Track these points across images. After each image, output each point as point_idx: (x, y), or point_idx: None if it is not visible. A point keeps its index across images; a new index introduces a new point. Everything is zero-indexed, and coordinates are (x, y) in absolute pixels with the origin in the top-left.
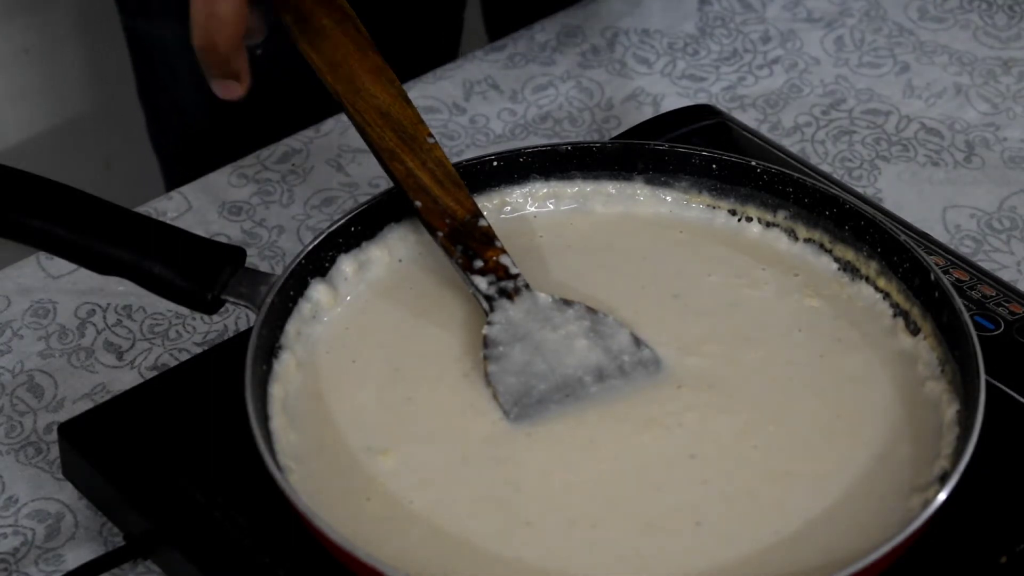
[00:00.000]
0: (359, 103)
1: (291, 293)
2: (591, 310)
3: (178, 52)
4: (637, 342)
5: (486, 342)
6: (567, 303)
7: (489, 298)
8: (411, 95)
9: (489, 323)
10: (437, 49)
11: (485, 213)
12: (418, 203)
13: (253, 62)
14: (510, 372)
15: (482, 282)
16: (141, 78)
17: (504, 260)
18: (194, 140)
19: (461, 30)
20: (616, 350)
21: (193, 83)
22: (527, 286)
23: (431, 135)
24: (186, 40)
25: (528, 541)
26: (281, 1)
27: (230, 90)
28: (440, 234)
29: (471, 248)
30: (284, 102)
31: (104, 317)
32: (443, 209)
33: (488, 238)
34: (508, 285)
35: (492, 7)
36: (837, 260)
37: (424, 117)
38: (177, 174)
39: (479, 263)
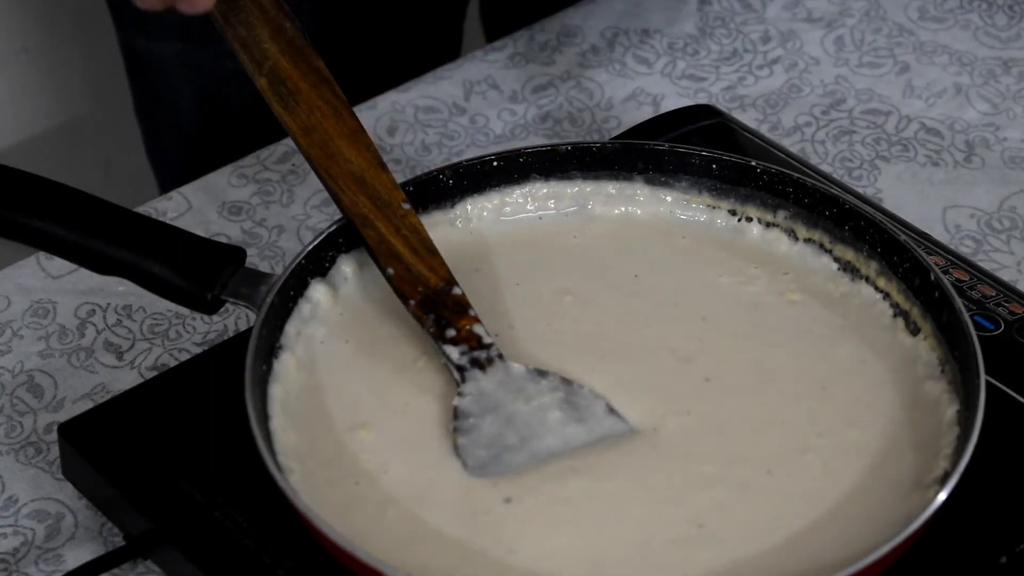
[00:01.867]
0: (332, 168)
1: (291, 293)
2: (566, 381)
3: (175, 69)
4: (611, 411)
5: (456, 413)
6: (541, 373)
7: (461, 368)
8: (411, 95)
9: (460, 394)
10: (437, 55)
11: (485, 214)
12: (390, 270)
13: (237, 76)
14: (480, 445)
15: (454, 352)
16: (138, 95)
17: (477, 329)
18: (192, 156)
19: (461, 37)
20: (591, 423)
21: (191, 100)
22: (500, 356)
23: (406, 201)
24: (184, 58)
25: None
26: (256, 64)
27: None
28: (412, 302)
29: (443, 317)
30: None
31: (104, 317)
32: (416, 276)
33: (461, 307)
34: (480, 355)
35: (490, 7)
36: (837, 260)
37: (424, 117)
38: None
39: (451, 332)
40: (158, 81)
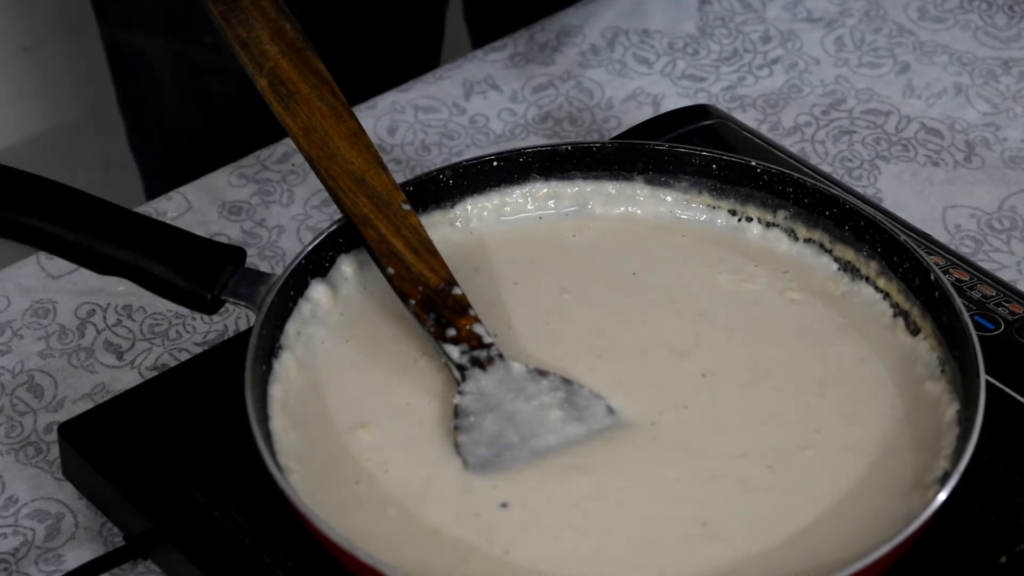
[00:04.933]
0: (333, 168)
1: (291, 293)
2: (566, 381)
3: (159, 64)
4: (611, 411)
5: (457, 411)
6: (541, 373)
7: (461, 367)
8: (411, 95)
9: (460, 392)
10: (417, 56)
11: (485, 214)
12: (390, 270)
13: (218, 68)
14: (481, 443)
15: (454, 351)
16: (122, 90)
17: (478, 329)
18: (174, 148)
19: (443, 35)
20: (591, 422)
21: (175, 95)
22: (501, 355)
23: (406, 202)
24: (165, 51)
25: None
26: (256, 65)
27: None
28: (412, 302)
29: (444, 316)
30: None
31: (104, 317)
32: (416, 276)
33: (462, 307)
34: (481, 354)
35: (475, 8)
36: (837, 260)
37: (424, 117)
38: (157, 185)
39: (452, 331)
40: (140, 74)
